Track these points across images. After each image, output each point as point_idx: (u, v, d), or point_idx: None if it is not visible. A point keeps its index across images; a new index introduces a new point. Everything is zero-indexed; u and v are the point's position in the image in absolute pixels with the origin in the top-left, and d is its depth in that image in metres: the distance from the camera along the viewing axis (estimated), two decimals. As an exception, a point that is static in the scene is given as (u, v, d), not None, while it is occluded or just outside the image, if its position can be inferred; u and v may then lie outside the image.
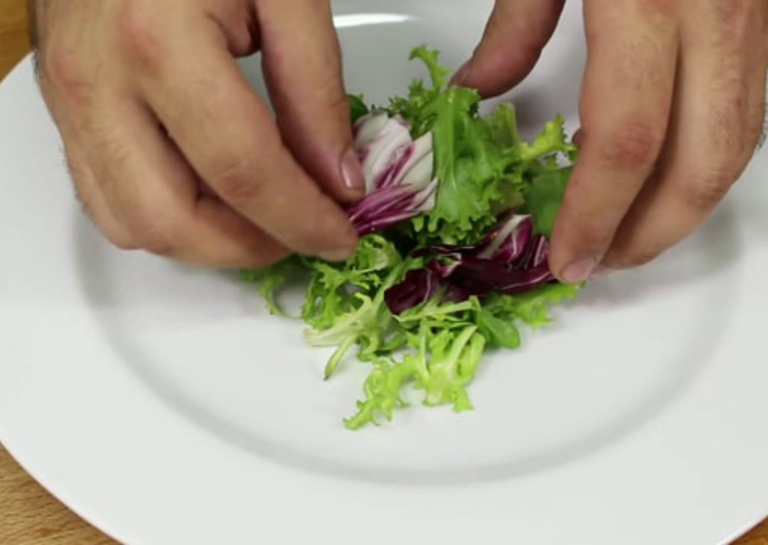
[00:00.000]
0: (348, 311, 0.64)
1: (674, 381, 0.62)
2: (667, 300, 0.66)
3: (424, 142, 0.62)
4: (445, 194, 0.62)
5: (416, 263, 0.64)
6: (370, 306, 0.63)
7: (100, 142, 0.54)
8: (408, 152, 0.61)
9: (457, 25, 0.77)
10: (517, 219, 0.64)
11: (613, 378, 0.64)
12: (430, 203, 0.62)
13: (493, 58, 0.66)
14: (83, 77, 0.53)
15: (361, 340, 0.64)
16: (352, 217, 0.59)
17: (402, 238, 0.64)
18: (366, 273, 0.63)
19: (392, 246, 0.64)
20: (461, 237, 0.63)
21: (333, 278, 0.63)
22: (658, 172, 0.58)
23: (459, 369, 0.63)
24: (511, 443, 0.61)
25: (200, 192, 0.55)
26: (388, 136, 0.62)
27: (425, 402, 0.62)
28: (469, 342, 0.63)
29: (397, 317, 0.63)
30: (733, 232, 0.68)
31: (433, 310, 0.63)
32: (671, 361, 0.64)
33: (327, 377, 0.63)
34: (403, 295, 0.63)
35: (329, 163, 0.57)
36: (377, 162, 0.61)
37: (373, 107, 0.66)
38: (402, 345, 0.64)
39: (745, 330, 0.64)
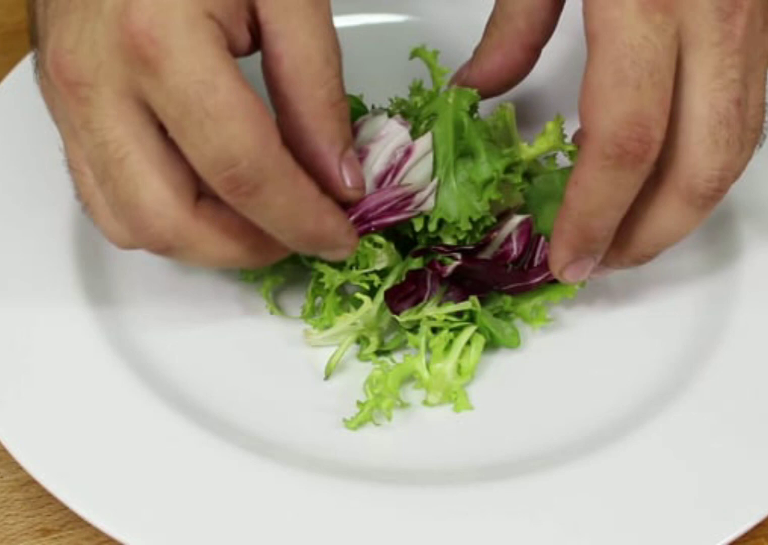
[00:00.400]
0: (348, 311, 0.64)
1: (674, 381, 0.62)
2: (667, 300, 0.66)
3: (424, 142, 0.62)
4: (445, 194, 0.62)
5: (416, 263, 0.64)
6: (370, 306, 0.63)
7: (100, 142, 0.54)
8: (408, 152, 0.61)
9: (457, 25, 0.77)
10: (517, 219, 0.64)
11: (613, 378, 0.64)
12: (430, 203, 0.62)
13: (493, 58, 0.66)
14: (83, 77, 0.53)
15: (361, 340, 0.64)
16: (352, 217, 0.59)
17: (402, 238, 0.64)
18: (366, 273, 0.63)
19: (392, 246, 0.64)
20: (461, 237, 0.63)
21: (333, 278, 0.63)
22: (658, 172, 0.58)
23: (459, 369, 0.63)
24: (511, 443, 0.61)
25: (200, 192, 0.55)
26: (388, 136, 0.62)
27: (425, 402, 0.62)
28: (469, 342, 0.63)
29: (397, 317, 0.63)
30: (733, 232, 0.68)
31: (433, 310, 0.63)
32: (671, 361, 0.64)
33: (327, 377, 0.63)
34: (403, 295, 0.63)
35: (329, 163, 0.57)
36: (377, 162, 0.61)
37: (373, 107, 0.66)
38: (402, 345, 0.64)
39: (745, 330, 0.64)
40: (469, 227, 0.62)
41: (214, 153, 0.52)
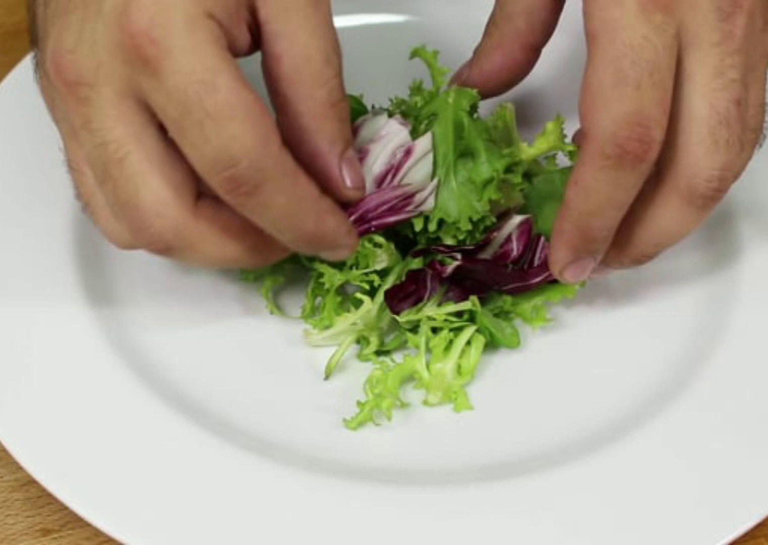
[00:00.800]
0: (348, 311, 0.64)
1: (674, 381, 0.62)
2: (667, 300, 0.66)
3: (424, 142, 0.62)
4: (445, 194, 0.62)
5: (416, 263, 0.64)
6: (370, 306, 0.63)
7: (100, 142, 0.54)
8: (408, 152, 0.61)
9: (457, 25, 0.77)
10: (517, 219, 0.64)
11: (613, 378, 0.64)
12: (430, 203, 0.62)
13: (493, 58, 0.66)
14: (83, 77, 0.53)
15: (361, 340, 0.64)
16: (352, 217, 0.59)
17: (402, 238, 0.64)
18: (366, 273, 0.63)
19: (392, 246, 0.64)
20: (461, 237, 0.63)
21: (333, 278, 0.63)
22: (658, 172, 0.58)
23: (459, 369, 0.63)
24: (511, 443, 0.61)
25: (200, 192, 0.55)
26: (388, 136, 0.62)
27: (425, 402, 0.62)
28: (469, 342, 0.63)
29: (397, 317, 0.63)
30: (733, 232, 0.68)
31: (433, 310, 0.63)
32: (671, 361, 0.64)
33: (327, 377, 0.63)
34: (403, 295, 0.63)
35: (329, 163, 0.57)
36: (377, 162, 0.61)
37: (373, 107, 0.66)
38: (402, 345, 0.64)
39: (745, 330, 0.64)
40: (469, 227, 0.62)
41: (214, 153, 0.52)
